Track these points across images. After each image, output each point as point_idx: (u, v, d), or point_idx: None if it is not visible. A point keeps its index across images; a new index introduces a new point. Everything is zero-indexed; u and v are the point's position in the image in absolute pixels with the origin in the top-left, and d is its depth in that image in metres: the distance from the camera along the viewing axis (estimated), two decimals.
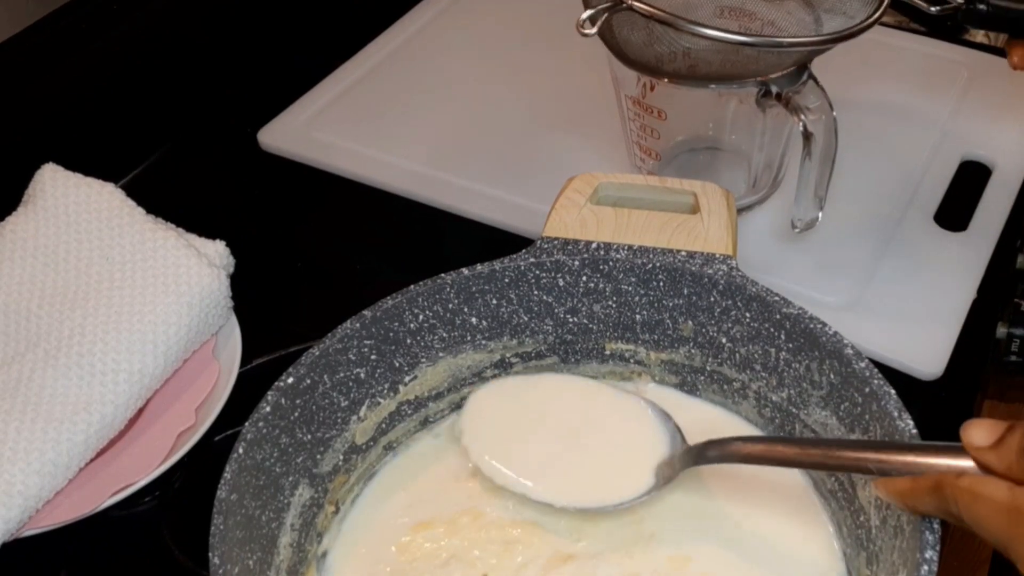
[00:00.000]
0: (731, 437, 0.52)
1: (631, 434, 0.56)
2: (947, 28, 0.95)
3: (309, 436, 0.54)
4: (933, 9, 0.76)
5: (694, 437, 0.54)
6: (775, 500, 0.56)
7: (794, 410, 0.56)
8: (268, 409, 0.52)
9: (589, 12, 0.61)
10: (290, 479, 0.53)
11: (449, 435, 0.61)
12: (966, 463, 0.43)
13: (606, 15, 0.61)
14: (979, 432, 0.42)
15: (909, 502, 0.45)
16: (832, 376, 0.53)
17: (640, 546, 0.54)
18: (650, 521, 0.55)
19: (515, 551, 0.55)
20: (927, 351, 0.66)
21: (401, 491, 0.58)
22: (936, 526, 0.45)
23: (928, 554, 0.44)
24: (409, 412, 0.59)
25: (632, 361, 0.61)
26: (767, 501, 0.56)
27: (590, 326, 0.60)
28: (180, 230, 0.68)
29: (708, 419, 0.60)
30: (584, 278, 0.58)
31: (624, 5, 0.60)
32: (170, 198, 0.75)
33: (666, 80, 0.66)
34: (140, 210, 0.67)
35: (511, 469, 0.56)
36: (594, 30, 0.61)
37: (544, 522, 0.56)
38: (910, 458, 0.45)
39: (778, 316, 0.55)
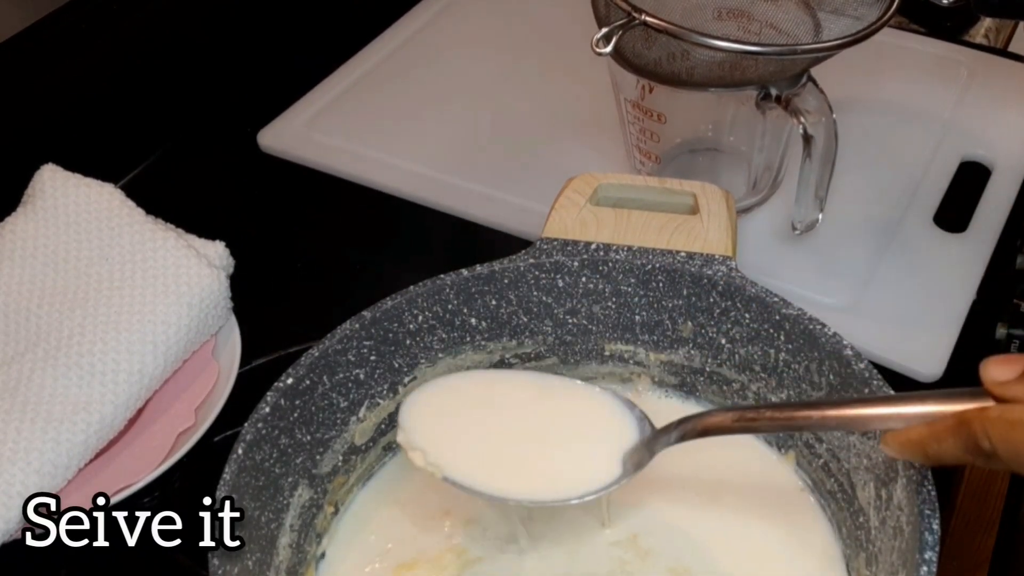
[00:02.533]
0: (705, 411, 0.50)
1: (592, 424, 0.53)
2: (947, 27, 0.95)
3: (308, 437, 0.54)
4: (945, 1, 0.76)
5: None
6: (774, 502, 0.56)
7: None
8: (267, 410, 0.52)
9: (604, 31, 0.61)
10: (289, 480, 0.53)
11: (410, 462, 0.58)
12: (986, 402, 0.41)
13: (620, 32, 0.61)
14: (1000, 369, 0.41)
15: (928, 449, 0.42)
16: (831, 377, 0.53)
17: (638, 564, 0.54)
18: (645, 538, 0.55)
19: None
20: (927, 352, 0.66)
21: (372, 533, 0.56)
22: (936, 526, 0.45)
23: (928, 555, 0.44)
24: None
25: (631, 362, 0.61)
26: (766, 503, 0.56)
27: (589, 327, 0.60)
28: (180, 230, 0.68)
29: None
30: (583, 279, 0.58)
31: (637, 22, 0.60)
32: (170, 198, 0.75)
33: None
34: (140, 211, 0.67)
35: (459, 466, 0.52)
36: (609, 48, 0.60)
37: (533, 549, 0.55)
38: (922, 407, 0.43)
39: (777, 317, 0.55)
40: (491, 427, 0.53)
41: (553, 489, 0.51)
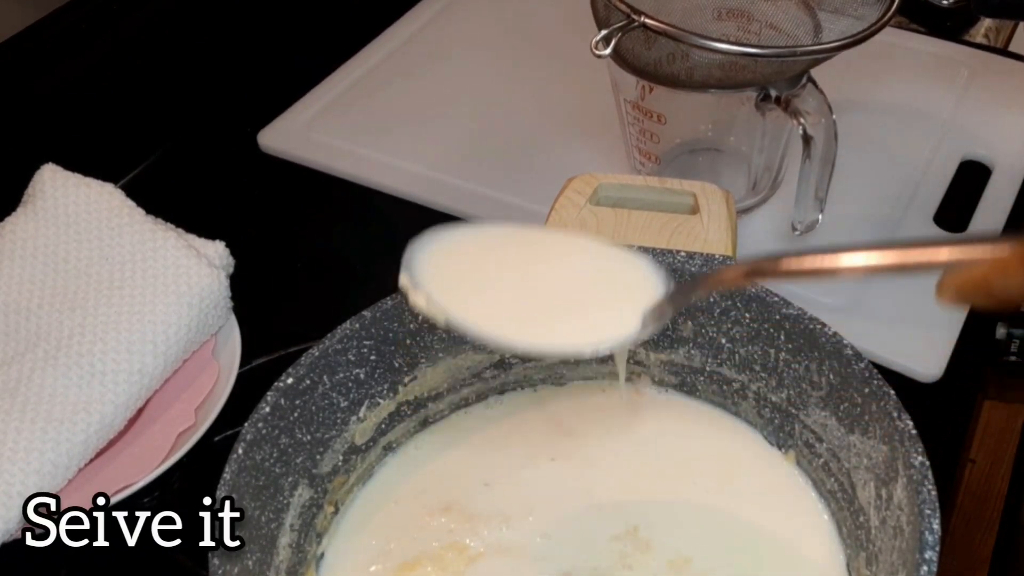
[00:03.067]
0: (729, 265, 0.44)
1: (611, 278, 0.50)
2: (947, 27, 0.96)
3: (308, 436, 0.54)
4: (946, 1, 0.76)
5: (694, 437, 0.53)
6: (775, 500, 0.56)
7: (793, 411, 0.56)
8: (267, 409, 0.52)
9: (603, 33, 0.61)
10: (289, 479, 0.53)
11: (410, 462, 0.59)
12: None
13: (620, 34, 0.61)
14: None
15: (993, 284, 0.38)
16: (832, 377, 0.53)
17: (638, 556, 0.54)
18: (645, 530, 0.55)
19: None
20: (927, 352, 0.66)
21: (373, 533, 0.56)
22: (936, 526, 0.45)
23: (928, 554, 0.44)
24: (409, 413, 0.59)
25: (632, 361, 0.61)
26: (766, 502, 0.56)
27: None
28: (180, 230, 0.68)
29: (707, 419, 0.60)
30: None
31: (637, 24, 0.60)
32: (170, 198, 0.75)
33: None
34: (140, 210, 0.67)
35: (466, 309, 0.47)
36: (608, 50, 0.60)
37: (533, 545, 0.54)
38: (984, 246, 0.37)
39: (778, 317, 0.55)
40: (502, 275, 0.50)
41: (565, 338, 0.47)
